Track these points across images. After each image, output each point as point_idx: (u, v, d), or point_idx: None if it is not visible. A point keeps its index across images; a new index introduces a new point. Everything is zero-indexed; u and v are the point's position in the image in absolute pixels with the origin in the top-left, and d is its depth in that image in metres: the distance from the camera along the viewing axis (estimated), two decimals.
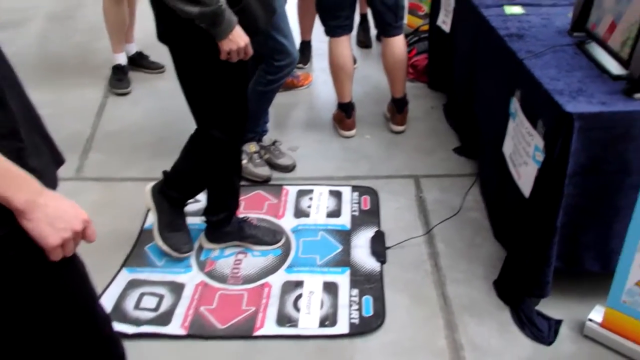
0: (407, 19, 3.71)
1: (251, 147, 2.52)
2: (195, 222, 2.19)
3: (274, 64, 2.38)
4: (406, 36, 3.50)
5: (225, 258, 2.11)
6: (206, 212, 2.10)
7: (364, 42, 3.94)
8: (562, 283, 1.84)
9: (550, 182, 1.66)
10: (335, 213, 2.33)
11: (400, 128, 2.90)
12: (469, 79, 2.55)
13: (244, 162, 2.43)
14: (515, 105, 1.92)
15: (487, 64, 2.29)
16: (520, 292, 1.86)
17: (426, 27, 3.37)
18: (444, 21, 2.89)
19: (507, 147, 2.01)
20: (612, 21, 1.78)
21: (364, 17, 3.93)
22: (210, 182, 2.03)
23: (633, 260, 1.56)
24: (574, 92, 1.65)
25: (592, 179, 1.66)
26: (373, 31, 3.94)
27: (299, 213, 2.33)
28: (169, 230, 2.06)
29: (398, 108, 2.88)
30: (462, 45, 2.66)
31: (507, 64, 1.98)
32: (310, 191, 2.46)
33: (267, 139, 2.62)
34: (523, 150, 1.85)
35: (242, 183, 2.20)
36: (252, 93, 2.44)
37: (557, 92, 1.65)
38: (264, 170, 2.53)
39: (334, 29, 2.73)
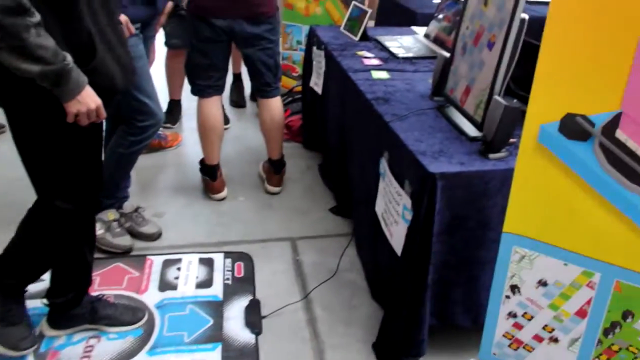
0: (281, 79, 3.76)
1: (109, 215, 2.32)
2: (35, 305, 1.87)
3: (137, 124, 2.24)
4: (281, 97, 3.54)
5: (73, 345, 1.83)
6: (50, 293, 1.82)
7: (237, 102, 3.92)
8: (438, 340, 1.84)
9: (419, 240, 1.67)
10: (206, 283, 2.17)
11: (276, 189, 2.85)
12: (341, 140, 2.58)
13: (100, 232, 2.22)
14: (384, 165, 1.94)
15: (357, 125, 2.33)
16: (397, 353, 1.84)
17: (300, 88, 3.42)
18: (316, 83, 2.94)
19: (379, 207, 2.02)
20: (466, 87, 1.89)
21: (237, 77, 3.93)
22: (55, 259, 1.76)
23: (499, 313, 1.59)
24: (435, 153, 1.70)
25: (457, 235, 1.70)
26: (247, 91, 3.95)
27: (165, 286, 2.14)
28: (3, 325, 1.76)
29: (275, 169, 2.84)
30: (333, 106, 2.70)
31: (375, 126, 2.02)
32: (178, 260, 2.29)
33: (128, 206, 2.42)
34: (393, 210, 1.86)
35: (98, 256, 1.99)
36: (113, 156, 2.27)
37: (420, 154, 1.69)
38: (124, 240, 2.32)
39: (205, 89, 2.65)
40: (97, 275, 1.99)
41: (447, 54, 2.06)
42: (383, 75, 2.34)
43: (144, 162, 2.55)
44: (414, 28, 3.18)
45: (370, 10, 2.83)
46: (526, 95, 1.34)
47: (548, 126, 1.32)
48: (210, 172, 2.76)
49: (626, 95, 1.18)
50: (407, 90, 2.21)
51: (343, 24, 2.98)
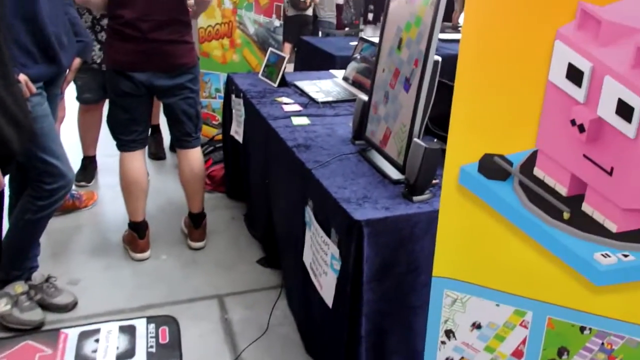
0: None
1: (17, 288, 2.10)
2: None
3: (45, 187, 2.08)
4: (201, 146, 3.45)
5: None
6: None
7: (156, 154, 3.79)
8: None
9: (350, 290, 1.62)
10: (127, 353, 2.00)
11: (199, 244, 2.73)
12: (265, 188, 2.51)
13: (7, 308, 2.01)
14: (309, 214, 1.89)
15: (280, 173, 2.27)
16: None
17: (220, 137, 3.35)
18: (237, 131, 2.88)
19: (307, 257, 1.96)
20: (386, 129, 1.88)
21: (155, 128, 3.80)
22: None
23: (435, 358, 1.54)
24: (360, 199, 1.67)
25: (388, 282, 1.65)
26: (166, 141, 3.83)
27: None
28: None
29: (195, 223, 2.72)
30: (256, 154, 2.64)
31: (298, 174, 1.97)
32: (96, 331, 2.09)
33: (38, 276, 2.21)
34: (321, 260, 1.80)
35: (4, 335, 1.79)
36: (19, 223, 2.10)
37: (344, 201, 1.65)
38: (34, 315, 2.10)
39: (128, 144, 2.54)
40: (3, 358, 1.77)
41: (366, 97, 2.07)
42: (303, 121, 2.32)
43: (56, 225, 2.37)
44: (333, 71, 3.22)
45: (287, 56, 2.82)
46: (445, 135, 1.34)
47: (468, 167, 1.32)
48: (138, 230, 2.61)
49: (540, 133, 1.19)
50: (328, 135, 2.19)
51: (261, 70, 2.96)
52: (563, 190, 1.21)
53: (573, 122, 1.11)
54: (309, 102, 2.57)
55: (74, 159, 3.27)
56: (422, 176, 1.64)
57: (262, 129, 2.41)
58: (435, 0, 1.61)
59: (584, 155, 1.14)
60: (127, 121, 2.49)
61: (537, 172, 1.23)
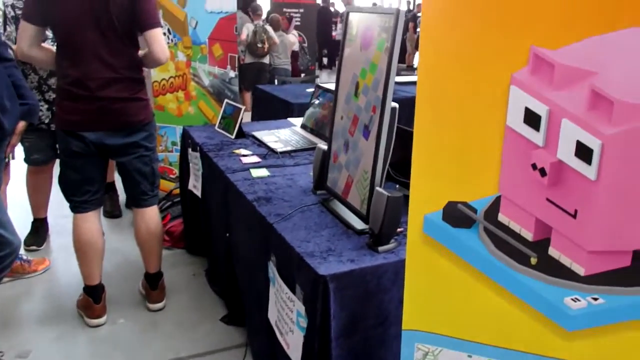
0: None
1: None
2: None
3: None
4: (159, 201, 3.35)
5: None
6: None
7: (111, 212, 3.66)
8: None
9: (318, 348, 1.55)
10: None
11: (158, 305, 2.60)
12: (226, 243, 2.43)
13: None
14: (272, 270, 1.82)
15: (241, 227, 2.20)
16: None
17: (178, 191, 3.26)
18: (195, 185, 2.81)
19: (272, 314, 1.88)
20: (347, 177, 1.86)
21: (110, 186, 3.69)
22: None
23: None
24: (324, 252, 1.61)
25: (357, 336, 1.59)
26: (122, 198, 3.71)
27: None
28: None
29: (152, 284, 2.61)
30: (215, 209, 2.57)
31: (259, 228, 1.91)
32: None
33: None
34: (287, 317, 1.72)
35: None
36: None
37: (308, 255, 1.59)
38: None
39: (81, 205, 2.43)
40: None
41: (325, 146, 2.04)
42: (263, 172, 2.27)
43: (3, 293, 2.23)
44: (291, 119, 3.21)
45: (243, 107, 2.80)
46: (407, 181, 1.32)
47: (432, 216, 1.29)
48: (94, 294, 2.48)
49: (501, 178, 1.18)
50: (288, 186, 2.14)
51: (217, 122, 2.92)
52: (529, 235, 1.19)
53: (534, 166, 1.10)
54: (267, 153, 2.54)
55: (24, 222, 3.17)
56: (387, 225, 1.61)
57: (220, 183, 2.35)
58: (389, 46, 1.61)
59: (547, 199, 1.13)
60: (79, 182, 2.39)
61: (502, 217, 1.21)
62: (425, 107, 1.24)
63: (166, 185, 3.69)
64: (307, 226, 1.79)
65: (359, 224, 1.76)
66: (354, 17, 1.88)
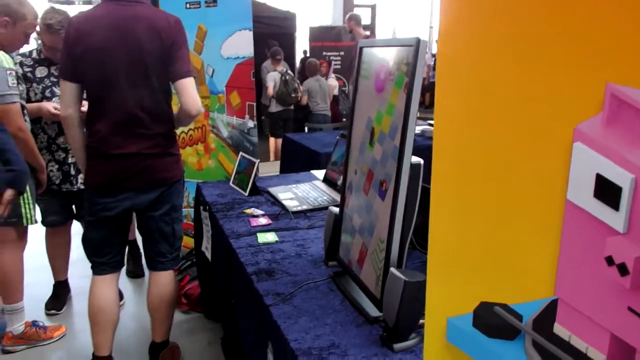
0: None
1: None
2: None
3: None
4: (180, 260, 3.09)
5: None
6: None
7: (134, 272, 3.42)
8: None
9: None
10: None
11: None
12: (232, 316, 2.09)
13: None
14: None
15: (242, 303, 1.86)
16: None
17: None
18: (207, 247, 2.51)
19: None
20: (362, 245, 1.50)
21: (132, 244, 3.46)
22: None
23: None
24: (324, 349, 1.25)
25: None
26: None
27: None
28: None
29: (154, 354, 2.38)
30: (224, 277, 2.24)
31: (257, 309, 1.57)
32: None
33: None
34: None
35: None
36: None
37: (304, 354, 1.24)
38: None
39: (99, 266, 2.25)
40: None
41: (337, 208, 1.70)
42: (270, 237, 1.94)
43: None
44: (314, 172, 2.89)
45: (257, 161, 2.51)
46: None
47: (458, 320, 0.92)
48: None
49: (559, 276, 0.79)
50: (297, 256, 1.80)
51: (232, 177, 2.64)
52: (600, 357, 0.80)
53: (610, 261, 0.72)
54: (280, 212, 2.21)
55: (47, 285, 3.03)
56: (404, 318, 1.23)
57: (225, 248, 2.03)
58: (408, 82, 1.28)
59: (630, 308, 0.74)
60: (100, 242, 2.22)
61: (559, 330, 0.82)
62: (443, 159, 0.89)
63: (189, 243, 3.42)
64: (309, 310, 1.43)
65: (373, 310, 1.40)
66: (367, 52, 1.57)
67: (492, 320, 0.87)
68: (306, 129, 5.23)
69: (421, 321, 1.30)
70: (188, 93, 2.10)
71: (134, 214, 2.30)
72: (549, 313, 0.82)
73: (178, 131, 3.27)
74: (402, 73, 1.33)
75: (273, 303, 1.47)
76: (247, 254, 1.83)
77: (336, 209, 1.69)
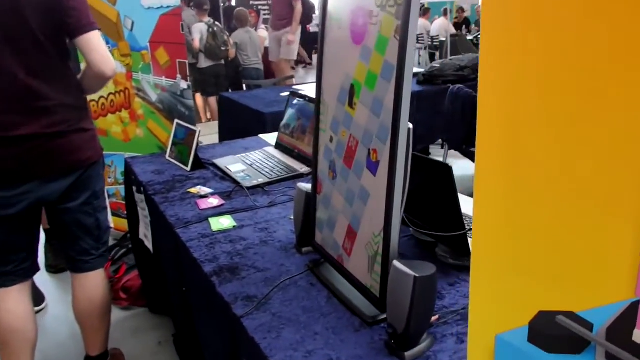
0: (112, 221, 2.94)
1: None
2: None
3: None
4: (112, 248, 2.72)
5: None
6: None
7: (55, 266, 2.96)
8: None
9: None
10: None
11: None
12: (188, 316, 1.80)
13: None
14: None
15: (204, 309, 1.56)
16: None
17: None
18: (145, 235, 2.17)
19: None
20: (347, 228, 1.23)
21: (49, 233, 3.01)
22: None
23: None
24: None
25: None
26: None
27: None
28: None
29: None
30: (170, 271, 1.92)
31: (224, 319, 1.29)
32: None
33: None
34: None
35: None
36: None
37: None
38: None
39: (3, 277, 1.83)
40: None
41: (308, 185, 1.43)
42: (226, 223, 1.65)
43: None
44: (263, 137, 2.58)
45: (199, 130, 2.16)
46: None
47: (509, 336, 0.72)
48: None
49: None
50: (262, 243, 1.52)
51: (168, 149, 2.28)
52: None
53: None
54: (234, 189, 1.91)
55: None
56: (416, 321, 0.99)
57: (171, 240, 1.71)
58: (400, 26, 1.00)
59: None
60: (1, 248, 1.81)
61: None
62: (491, 133, 0.65)
63: (121, 225, 3.05)
64: (292, 318, 1.17)
65: (368, 307, 1.15)
66: None
67: (553, 333, 0.67)
68: (244, 86, 4.84)
69: (433, 318, 1.07)
70: (96, 49, 1.71)
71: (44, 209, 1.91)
72: (626, 319, 0.62)
73: (95, 97, 2.84)
74: (389, 15, 1.05)
75: (245, 313, 1.19)
76: (201, 247, 1.52)
77: (307, 187, 1.41)
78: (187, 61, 2.61)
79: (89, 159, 1.83)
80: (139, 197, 2.07)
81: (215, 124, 4.27)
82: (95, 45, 1.72)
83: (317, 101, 1.36)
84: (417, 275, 0.97)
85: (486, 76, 0.63)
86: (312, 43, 11.97)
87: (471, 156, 4.03)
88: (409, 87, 1.02)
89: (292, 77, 6.09)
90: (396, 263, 1.02)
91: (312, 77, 11.54)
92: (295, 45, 5.97)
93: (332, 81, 1.28)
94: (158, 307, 2.52)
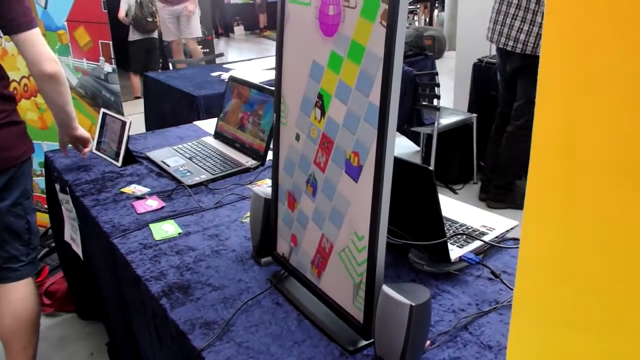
0: None
1: None
2: None
3: None
4: None
5: None
6: None
7: None
8: None
9: None
10: None
11: None
12: (125, 322, 1.60)
13: None
14: None
15: (152, 333, 1.37)
16: None
17: None
18: (73, 239, 1.93)
19: None
20: (321, 238, 1.09)
21: None
22: None
23: None
24: None
25: None
26: None
27: None
28: None
29: None
30: (107, 286, 1.70)
31: (178, 351, 1.12)
32: None
33: None
34: None
35: None
36: None
37: None
38: None
39: None
40: None
41: (268, 189, 1.27)
42: (170, 230, 1.46)
43: None
44: (199, 124, 2.36)
45: (129, 121, 1.92)
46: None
47: None
48: None
49: None
50: (214, 253, 1.35)
51: (94, 143, 2.02)
52: None
53: None
54: (175, 187, 1.70)
55: None
56: (411, 354, 0.88)
57: (107, 252, 1.50)
58: (388, 9, 0.86)
59: None
60: None
61: None
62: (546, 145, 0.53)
63: (41, 220, 2.74)
64: (261, 349, 1.02)
65: (347, 332, 1.02)
66: None
67: None
68: (170, 65, 4.50)
69: (427, 343, 0.96)
70: (35, 46, 1.55)
71: None
72: None
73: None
74: None
75: (207, 345, 1.03)
76: (144, 260, 1.33)
77: (266, 191, 1.25)
78: (110, 42, 2.33)
79: (23, 154, 1.66)
80: (64, 197, 1.82)
81: (138, 106, 3.96)
82: (36, 42, 1.55)
83: (276, 92, 1.19)
84: (413, 304, 0.85)
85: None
86: (229, 13, 11.39)
87: (411, 136, 3.96)
88: (398, 87, 0.88)
89: (221, 54, 5.79)
90: (386, 289, 0.89)
91: (234, 49, 10.94)
92: (196, 18, 5.63)
93: (296, 70, 1.12)
94: (88, 312, 2.29)
